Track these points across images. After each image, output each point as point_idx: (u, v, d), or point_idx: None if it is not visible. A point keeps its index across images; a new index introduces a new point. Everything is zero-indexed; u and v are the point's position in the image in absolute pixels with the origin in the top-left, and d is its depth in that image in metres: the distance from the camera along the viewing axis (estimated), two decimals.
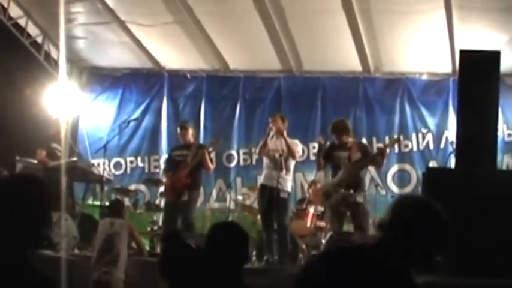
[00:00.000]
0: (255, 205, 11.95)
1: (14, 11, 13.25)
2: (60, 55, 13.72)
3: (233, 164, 14.34)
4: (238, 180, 14.07)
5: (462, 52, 8.74)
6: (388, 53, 13.21)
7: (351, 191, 10.36)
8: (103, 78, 15.24)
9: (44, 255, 9.21)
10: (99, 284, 9.19)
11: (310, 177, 13.45)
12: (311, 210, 12.17)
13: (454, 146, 9.34)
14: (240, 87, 14.52)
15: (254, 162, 13.98)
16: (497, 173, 8.87)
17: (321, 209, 12.05)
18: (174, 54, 14.31)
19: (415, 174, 13.34)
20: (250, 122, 14.25)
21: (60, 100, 13.74)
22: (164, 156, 14.26)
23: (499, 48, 8.95)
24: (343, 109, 13.72)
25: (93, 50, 14.56)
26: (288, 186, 10.91)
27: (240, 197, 13.28)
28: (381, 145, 12.87)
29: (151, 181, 13.79)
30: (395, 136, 13.26)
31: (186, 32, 13.22)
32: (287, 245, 10.67)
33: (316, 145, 13.77)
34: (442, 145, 13.38)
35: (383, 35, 12.61)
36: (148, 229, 12.17)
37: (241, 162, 14.33)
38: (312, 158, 13.81)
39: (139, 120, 14.58)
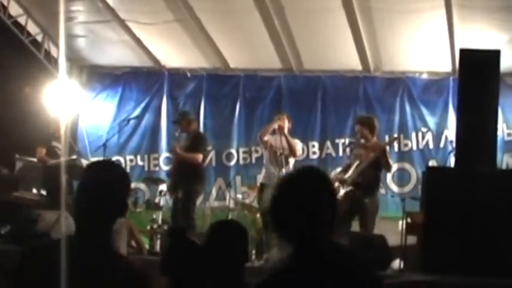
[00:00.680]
0: (255, 204, 11.97)
1: (14, 9, 13.24)
2: (60, 53, 13.73)
3: (233, 163, 14.34)
4: (238, 178, 14.06)
5: (462, 51, 8.75)
6: (388, 52, 13.21)
7: (357, 190, 10.36)
8: (103, 77, 15.22)
9: None
10: None
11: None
12: None
13: (454, 145, 9.33)
14: (240, 86, 14.50)
15: (254, 161, 14.00)
16: (497, 172, 8.87)
17: None
18: (174, 52, 14.31)
19: (415, 173, 13.33)
20: (250, 121, 14.24)
21: (60, 98, 13.73)
22: (164, 155, 14.29)
23: (499, 48, 8.96)
24: (343, 108, 13.74)
25: (93, 49, 14.54)
26: None
27: (239, 196, 13.28)
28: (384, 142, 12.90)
29: (151, 179, 13.82)
30: (395, 135, 13.27)
31: (186, 30, 13.22)
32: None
33: (316, 144, 13.83)
34: (441, 144, 13.37)
35: (383, 34, 12.60)
36: (148, 227, 12.18)
37: (241, 161, 14.32)
38: (312, 156, 13.82)
39: (139, 119, 14.57)
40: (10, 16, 13.18)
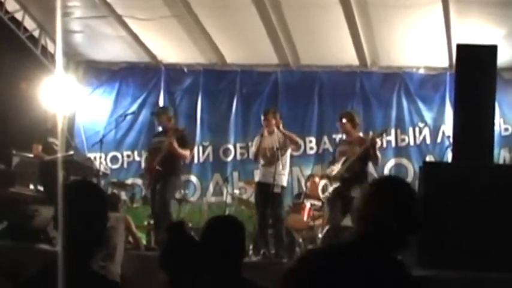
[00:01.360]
0: (252, 199, 12.01)
1: (11, 5, 13.22)
2: (57, 49, 13.74)
3: (230, 158, 14.34)
4: (235, 174, 14.09)
5: (459, 46, 8.73)
6: (385, 47, 13.22)
7: (345, 186, 10.37)
8: (100, 72, 15.23)
9: (40, 249, 9.21)
10: None
11: (307, 171, 13.48)
12: (308, 204, 12.18)
13: (451, 140, 9.33)
14: (237, 81, 14.51)
15: (251, 156, 14.01)
16: (494, 167, 8.87)
17: (318, 203, 12.06)
18: (171, 48, 14.31)
19: (412, 168, 13.34)
20: (247, 116, 14.24)
21: (57, 94, 13.71)
22: None
23: (496, 42, 8.93)
24: (340, 103, 13.73)
25: (90, 44, 14.54)
26: (283, 180, 10.95)
27: (236, 191, 13.31)
28: (377, 140, 12.91)
29: None
30: (393, 130, 13.30)
31: (183, 26, 13.21)
32: (283, 239, 10.70)
33: (313, 139, 13.84)
34: (438, 139, 13.39)
35: (380, 29, 12.61)
36: (145, 223, 12.18)
37: (238, 156, 14.33)
38: (309, 152, 13.84)
39: (136, 114, 14.55)
40: (7, 12, 13.17)
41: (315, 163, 13.83)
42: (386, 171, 13.37)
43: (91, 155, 13.68)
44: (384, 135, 12.81)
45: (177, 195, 12.54)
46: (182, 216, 12.52)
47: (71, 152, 12.61)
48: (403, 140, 13.61)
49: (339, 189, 10.42)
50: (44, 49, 14.08)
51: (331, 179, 10.58)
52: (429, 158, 13.13)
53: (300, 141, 11.50)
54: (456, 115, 8.56)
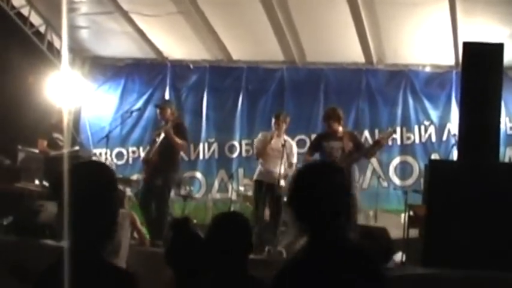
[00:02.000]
0: None
1: (17, 1, 13.24)
2: (63, 45, 13.75)
3: (235, 155, 14.35)
4: (240, 171, 14.07)
5: (465, 44, 8.74)
6: (391, 44, 13.20)
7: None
8: (105, 68, 15.24)
9: (45, 244, 9.22)
10: None
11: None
12: None
13: (457, 138, 9.33)
14: (242, 78, 14.50)
15: (256, 154, 14.01)
16: (499, 166, 8.87)
17: None
18: (176, 44, 14.31)
19: (417, 166, 13.32)
20: (253, 113, 14.25)
21: (62, 90, 13.73)
22: None
23: (502, 41, 8.94)
24: (345, 101, 13.69)
25: (95, 40, 14.55)
26: (284, 183, 11.02)
27: (242, 188, 13.28)
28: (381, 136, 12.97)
29: None
30: (398, 128, 13.29)
31: (189, 22, 13.21)
32: (277, 239, 10.73)
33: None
34: (444, 137, 13.37)
35: (386, 26, 12.59)
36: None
37: (244, 153, 14.33)
38: None
39: (141, 111, 14.53)
40: (13, 7, 13.18)
41: None
42: (391, 169, 13.38)
43: (96, 151, 13.71)
44: (392, 137, 12.89)
45: (182, 192, 12.55)
46: (187, 213, 12.54)
47: (77, 148, 12.63)
48: (409, 138, 13.58)
49: None
50: (50, 45, 14.10)
51: None
52: (435, 156, 13.10)
53: (294, 160, 11.42)
54: (462, 113, 8.57)
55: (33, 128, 12.44)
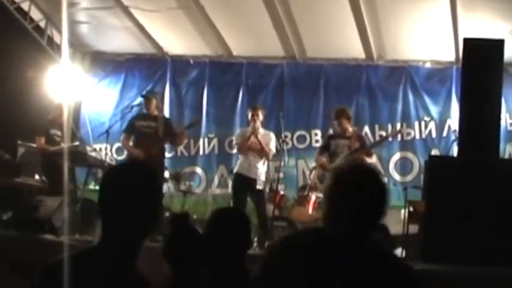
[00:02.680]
0: None
1: None
2: (63, 40, 13.73)
3: (235, 150, 14.31)
4: None
5: (466, 40, 8.73)
6: (391, 40, 13.19)
7: None
8: (106, 63, 15.24)
9: (45, 239, 9.22)
10: None
11: (312, 163, 13.47)
12: (313, 197, 12.17)
13: (457, 134, 9.33)
14: (242, 73, 14.50)
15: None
16: (500, 162, 8.87)
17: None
18: (177, 39, 14.30)
19: (417, 162, 13.33)
20: None
21: (62, 85, 13.72)
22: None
23: (502, 37, 8.93)
24: (345, 96, 13.72)
25: (96, 35, 14.53)
26: (264, 175, 11.10)
27: None
28: (383, 133, 12.98)
29: None
30: (398, 124, 13.29)
31: (190, 17, 13.20)
32: (272, 233, 10.75)
33: (318, 132, 13.83)
34: (444, 133, 13.37)
35: (386, 22, 12.58)
36: None
37: None
38: (314, 144, 13.80)
39: (141, 106, 14.53)
40: (13, 2, 13.15)
41: None
42: (391, 165, 13.39)
43: (96, 146, 13.69)
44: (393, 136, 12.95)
45: (182, 187, 12.57)
46: (187, 208, 12.55)
47: (76, 143, 12.61)
48: (409, 133, 13.58)
49: None
50: (50, 40, 14.09)
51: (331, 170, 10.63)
52: (435, 152, 13.11)
53: (272, 152, 11.42)
54: (462, 109, 8.57)
55: (33, 123, 12.41)
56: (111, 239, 2.95)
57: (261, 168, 11.11)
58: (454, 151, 11.07)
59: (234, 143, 12.56)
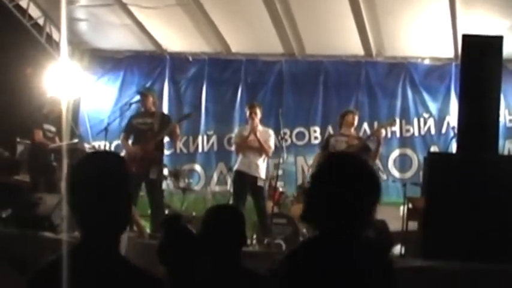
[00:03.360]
0: None
1: None
2: (62, 37, 13.70)
3: (234, 147, 14.33)
4: None
5: (465, 37, 8.73)
6: (390, 37, 13.19)
7: None
8: (105, 61, 15.23)
9: (44, 237, 9.22)
10: None
11: (312, 161, 13.47)
12: None
13: (456, 131, 9.33)
14: (241, 70, 14.50)
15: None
16: (499, 159, 8.87)
17: None
18: (176, 37, 14.29)
19: (416, 159, 13.33)
20: None
21: (61, 82, 13.71)
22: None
23: (501, 34, 8.93)
24: (345, 93, 13.74)
25: (95, 32, 14.53)
26: (264, 173, 11.10)
27: None
28: (382, 130, 13.00)
29: None
30: (397, 120, 13.29)
31: (189, 14, 13.19)
32: (271, 230, 10.75)
33: (317, 129, 13.83)
34: (443, 130, 13.37)
35: (385, 18, 12.58)
36: (149, 212, 12.16)
37: None
38: (313, 141, 13.81)
39: (140, 103, 14.53)
40: None
41: None
42: (390, 162, 13.39)
43: (95, 144, 13.69)
44: (389, 127, 12.92)
45: (181, 184, 12.57)
46: (186, 205, 12.56)
47: (75, 140, 12.61)
48: (408, 130, 13.59)
49: None
50: (49, 37, 14.07)
51: None
52: (434, 149, 13.10)
53: (271, 149, 11.43)
54: (461, 106, 8.56)
55: (32, 120, 12.41)
56: (90, 235, 2.86)
57: (262, 166, 11.13)
58: (453, 148, 11.06)
59: (232, 141, 12.55)
